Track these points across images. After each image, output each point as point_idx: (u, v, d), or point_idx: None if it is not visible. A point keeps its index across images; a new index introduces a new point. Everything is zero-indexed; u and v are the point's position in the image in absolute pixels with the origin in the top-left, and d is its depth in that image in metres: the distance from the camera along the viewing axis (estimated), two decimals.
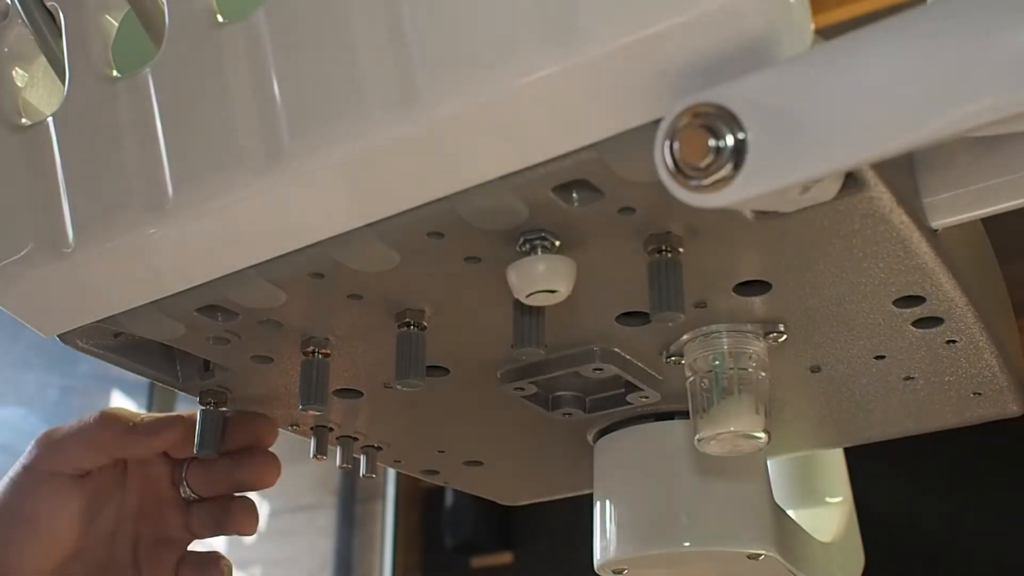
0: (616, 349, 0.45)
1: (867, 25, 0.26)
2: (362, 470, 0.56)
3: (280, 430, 0.54)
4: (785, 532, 0.51)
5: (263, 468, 0.50)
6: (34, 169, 0.40)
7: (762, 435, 0.43)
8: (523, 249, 0.36)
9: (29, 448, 0.48)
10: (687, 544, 0.49)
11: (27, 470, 0.48)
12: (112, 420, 0.48)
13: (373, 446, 0.56)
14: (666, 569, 0.52)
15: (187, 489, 0.51)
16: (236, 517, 0.50)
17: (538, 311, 0.39)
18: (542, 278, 0.35)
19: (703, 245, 0.37)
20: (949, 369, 0.46)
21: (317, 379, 0.44)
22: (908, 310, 0.41)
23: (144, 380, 0.51)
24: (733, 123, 0.27)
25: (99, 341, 0.45)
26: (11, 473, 0.48)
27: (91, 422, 0.48)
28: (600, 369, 0.45)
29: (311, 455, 0.54)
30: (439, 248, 0.37)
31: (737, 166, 0.27)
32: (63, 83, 0.39)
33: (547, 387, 0.49)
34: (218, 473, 0.51)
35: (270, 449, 0.52)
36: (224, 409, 0.49)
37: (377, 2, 0.32)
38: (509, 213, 0.35)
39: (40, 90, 0.44)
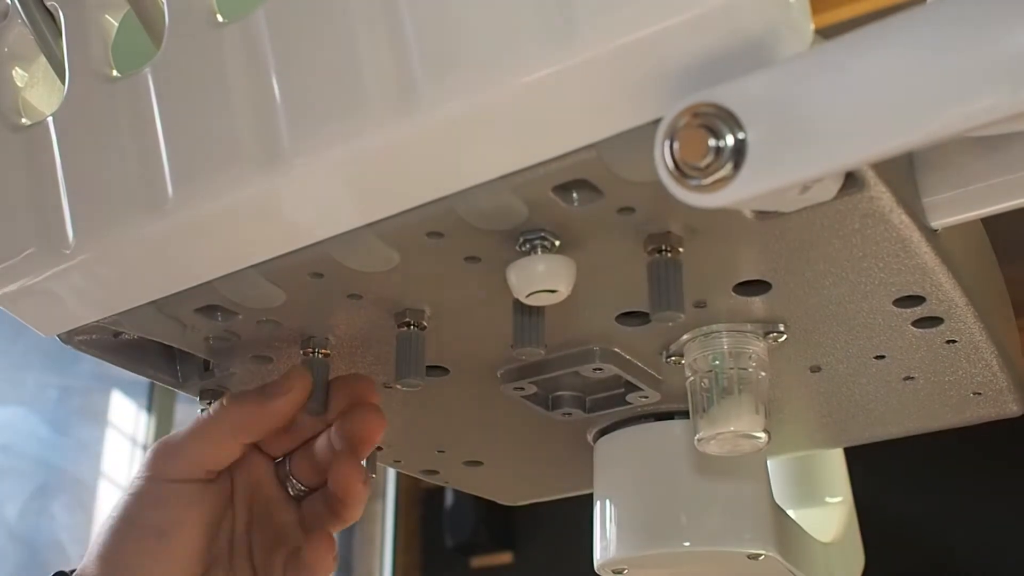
0: (616, 349, 0.45)
1: (867, 25, 0.26)
2: None
3: None
4: (785, 532, 0.51)
5: (368, 419, 0.46)
6: (34, 169, 0.40)
7: (762, 435, 0.43)
8: (523, 249, 0.36)
9: (146, 458, 0.45)
10: (687, 544, 0.49)
11: (150, 480, 0.44)
12: (234, 400, 0.45)
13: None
14: (666, 569, 0.52)
15: (295, 484, 0.48)
16: (349, 500, 0.46)
17: (538, 311, 0.39)
18: (542, 278, 0.35)
19: (703, 245, 0.37)
20: (949, 369, 0.46)
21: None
22: (908, 310, 0.41)
23: (144, 380, 0.50)
24: (733, 123, 0.27)
25: (99, 341, 0.45)
26: (131, 487, 0.45)
27: (209, 414, 0.45)
28: (600, 369, 0.45)
29: None
30: (439, 248, 0.37)
31: (737, 166, 0.27)
32: (63, 83, 0.39)
33: (547, 387, 0.49)
34: (323, 448, 0.47)
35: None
36: (327, 353, 0.46)
37: (376, 2, 0.32)
38: (509, 213, 0.34)
39: (40, 90, 0.44)
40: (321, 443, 0.47)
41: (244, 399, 0.45)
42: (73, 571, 0.44)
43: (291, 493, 0.48)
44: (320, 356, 0.44)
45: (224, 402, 0.45)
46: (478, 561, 2.16)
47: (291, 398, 0.44)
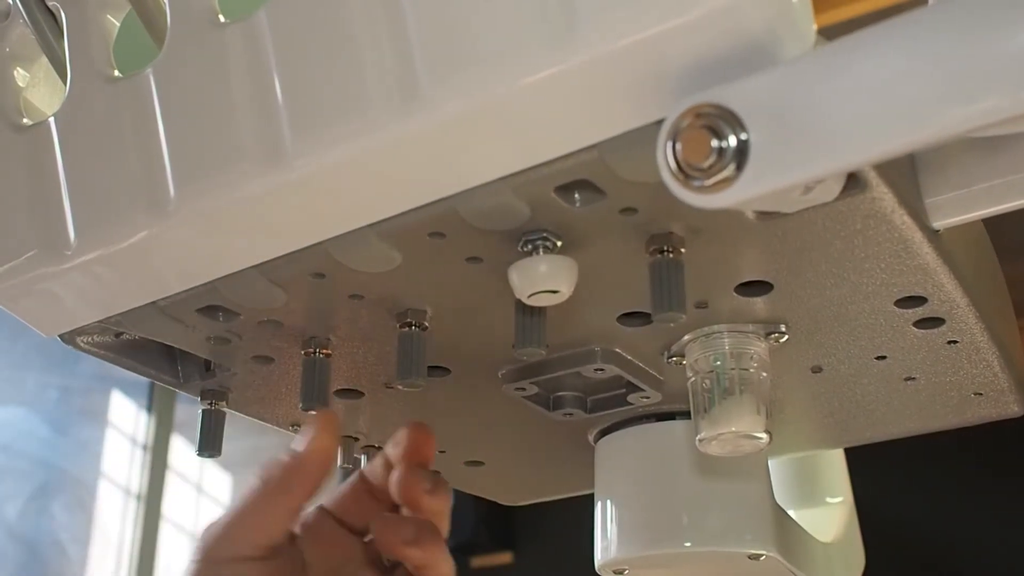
0: (617, 349, 0.45)
1: (869, 26, 0.26)
2: None
3: (281, 430, 0.54)
4: (786, 532, 0.51)
5: (414, 428, 0.44)
6: (35, 169, 0.40)
7: (763, 435, 0.43)
8: (525, 249, 0.36)
9: (196, 542, 0.42)
10: (688, 544, 0.49)
11: (201, 564, 0.42)
12: (267, 465, 0.43)
13: (374, 446, 0.56)
14: (667, 569, 0.52)
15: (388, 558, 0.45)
16: (416, 508, 0.44)
17: (539, 311, 0.39)
18: (544, 278, 0.35)
19: (705, 245, 0.37)
20: (950, 369, 0.46)
21: (318, 379, 0.44)
22: (909, 310, 0.41)
23: (145, 380, 0.50)
24: (735, 124, 0.27)
25: (100, 341, 0.45)
26: (188, 568, 0.42)
27: (249, 491, 0.43)
28: (601, 369, 0.45)
29: None
30: (441, 248, 0.37)
31: (739, 167, 0.27)
32: (65, 83, 0.39)
33: (548, 387, 0.49)
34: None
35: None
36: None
37: (378, 2, 0.32)
38: (511, 213, 0.34)
39: (42, 90, 0.44)
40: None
41: (276, 461, 0.43)
42: None
43: (387, 564, 0.45)
44: (321, 356, 0.44)
45: (259, 472, 0.43)
46: (478, 561, 2.17)
47: (319, 442, 0.43)
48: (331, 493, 0.47)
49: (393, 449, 0.45)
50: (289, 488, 0.43)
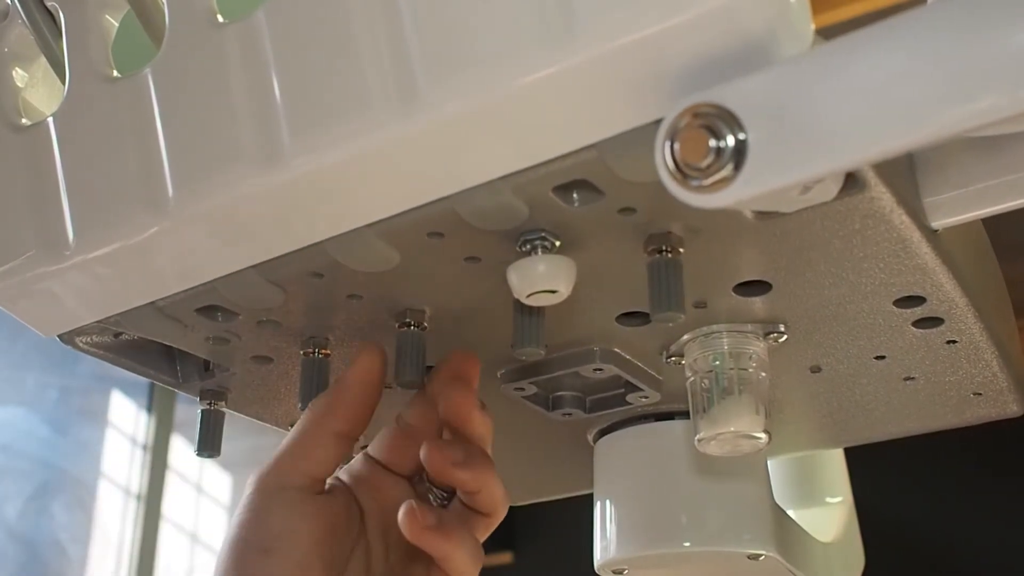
0: (616, 349, 0.45)
1: (867, 25, 0.26)
2: None
3: (280, 430, 0.54)
4: (785, 532, 0.51)
5: (461, 353, 0.43)
6: (34, 169, 0.40)
7: (762, 435, 0.43)
8: (523, 249, 0.36)
9: (251, 478, 0.43)
10: (687, 544, 0.49)
11: (254, 494, 0.42)
12: (316, 397, 0.43)
13: None
14: (666, 569, 0.52)
15: (438, 493, 0.44)
16: (464, 426, 0.42)
17: (538, 311, 0.39)
18: (542, 278, 0.35)
19: (703, 245, 0.37)
20: (949, 369, 0.46)
21: (317, 379, 0.44)
22: (908, 310, 0.41)
23: (144, 380, 0.50)
24: (733, 123, 0.27)
25: (99, 341, 0.45)
26: (242, 500, 0.42)
27: (298, 422, 0.43)
28: (600, 369, 0.45)
29: None
30: (439, 248, 0.37)
31: (737, 166, 0.27)
32: (63, 83, 0.39)
33: (547, 387, 0.49)
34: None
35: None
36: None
37: (377, 2, 0.32)
38: (509, 213, 0.34)
39: (40, 90, 0.44)
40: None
41: (324, 392, 0.43)
42: None
43: (435, 503, 0.45)
44: (320, 356, 0.44)
45: (309, 404, 0.43)
46: None
47: (362, 366, 0.42)
48: (375, 441, 0.46)
49: (434, 382, 0.44)
50: (335, 412, 0.42)
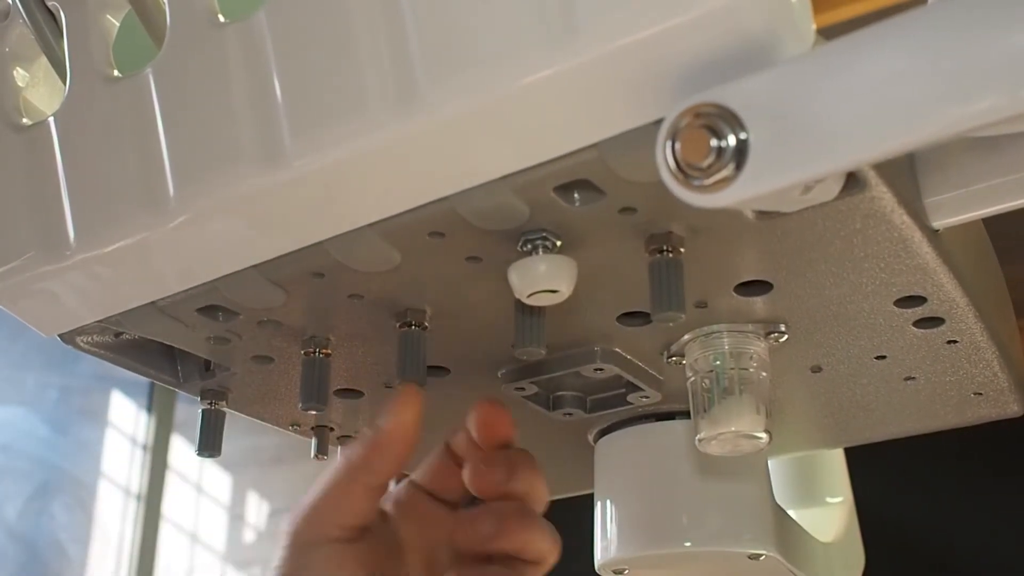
0: (617, 349, 0.45)
1: (868, 25, 0.26)
2: None
3: (280, 430, 0.54)
4: (786, 532, 0.51)
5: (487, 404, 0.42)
6: (35, 169, 0.40)
7: (763, 435, 0.43)
8: (524, 249, 0.36)
9: (285, 530, 0.42)
10: (688, 544, 0.49)
11: (289, 548, 0.42)
12: (349, 445, 0.42)
13: None
14: (667, 569, 0.52)
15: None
16: (490, 435, 0.42)
17: (539, 311, 0.39)
18: (543, 278, 0.35)
19: (704, 245, 0.37)
20: (950, 369, 0.46)
21: (318, 378, 0.44)
22: (909, 310, 0.41)
23: (145, 380, 0.50)
24: (735, 123, 0.27)
25: (100, 340, 0.45)
26: (276, 559, 0.42)
27: (332, 471, 0.42)
28: (601, 369, 0.45)
29: (312, 455, 0.54)
30: (440, 248, 0.37)
31: (739, 166, 0.27)
32: (64, 83, 0.39)
33: (548, 387, 0.49)
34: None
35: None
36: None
37: (377, 2, 0.32)
38: (510, 213, 0.35)
39: (41, 90, 0.44)
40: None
41: (358, 439, 0.42)
42: None
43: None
44: (321, 356, 0.44)
45: (341, 451, 0.42)
46: None
47: (401, 418, 0.42)
48: (420, 468, 0.45)
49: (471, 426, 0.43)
50: (371, 466, 0.42)
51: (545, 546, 0.42)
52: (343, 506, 0.42)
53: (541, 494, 0.43)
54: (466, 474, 0.42)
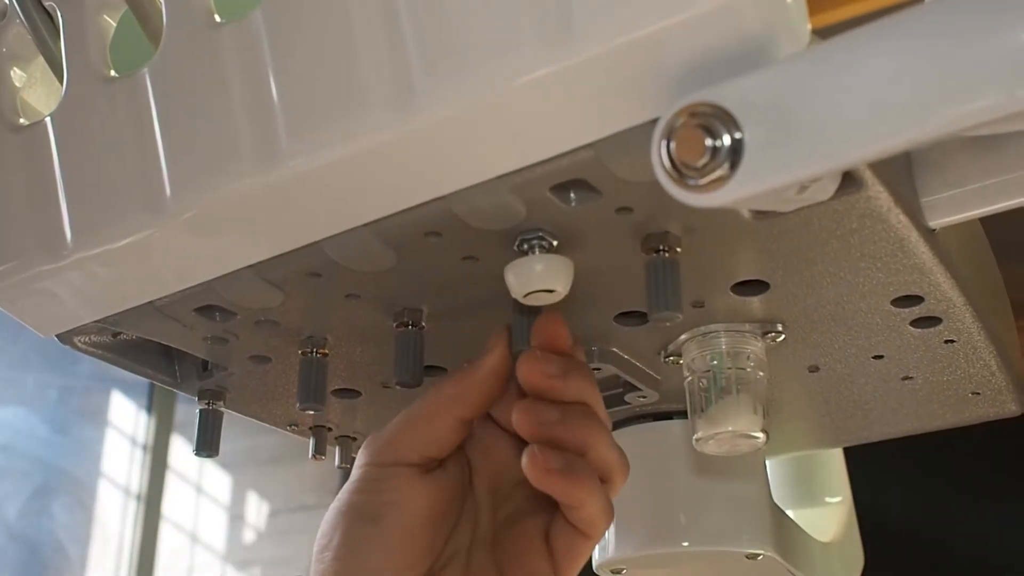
0: (614, 349, 0.45)
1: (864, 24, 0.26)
2: None
3: (278, 430, 0.54)
4: (784, 532, 0.51)
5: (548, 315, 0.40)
6: (32, 169, 0.40)
7: (760, 435, 0.43)
8: (521, 249, 0.36)
9: (361, 453, 0.43)
10: (686, 544, 0.49)
11: (365, 467, 0.42)
12: (442, 377, 0.42)
13: None
14: (665, 569, 0.52)
15: None
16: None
17: (536, 311, 0.39)
18: (540, 278, 0.35)
19: (701, 245, 0.37)
20: (947, 369, 0.46)
21: (315, 378, 0.44)
22: (906, 310, 0.41)
23: (144, 380, 0.50)
24: (730, 122, 0.27)
25: (98, 341, 0.45)
26: (351, 477, 0.42)
27: (423, 399, 0.42)
28: (598, 369, 0.45)
29: (310, 455, 0.54)
30: (437, 248, 0.37)
31: (734, 165, 0.27)
32: (61, 83, 0.39)
33: None
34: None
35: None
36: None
37: (374, 2, 0.32)
38: (507, 213, 0.34)
39: (38, 90, 0.44)
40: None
41: (452, 373, 0.42)
42: None
43: None
44: (318, 356, 0.44)
45: (434, 383, 0.42)
46: None
47: (497, 355, 0.41)
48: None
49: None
50: (464, 400, 0.41)
51: (612, 455, 0.41)
52: (429, 437, 0.42)
53: (600, 404, 0.42)
54: (515, 410, 0.41)
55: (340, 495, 0.42)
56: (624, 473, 0.41)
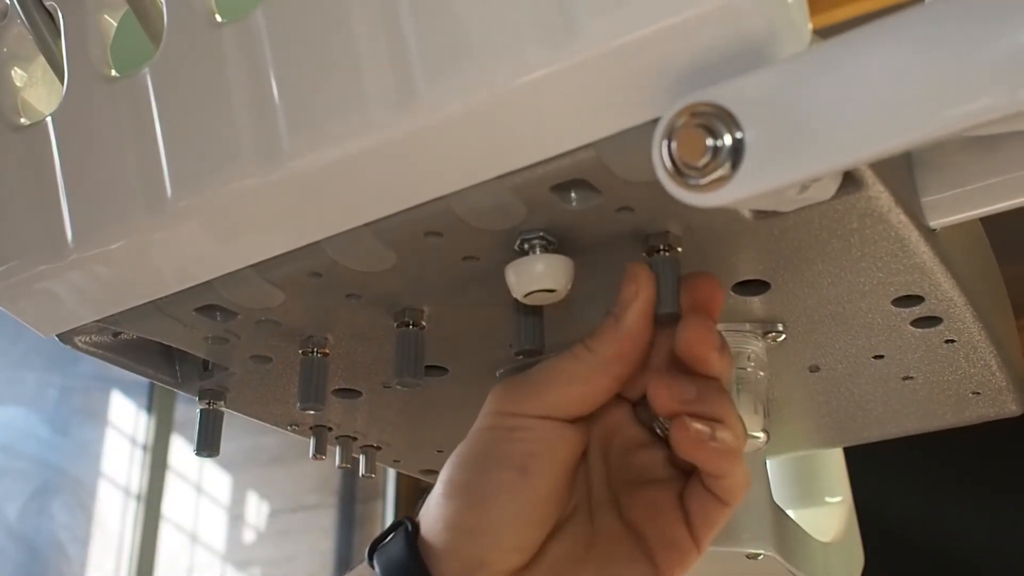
0: None
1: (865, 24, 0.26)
2: (361, 470, 0.56)
3: (279, 430, 0.54)
4: (784, 532, 0.51)
5: (704, 277, 0.38)
6: (33, 169, 0.40)
7: (761, 435, 0.43)
8: (521, 248, 0.36)
9: (496, 397, 0.41)
10: None
11: (506, 416, 0.40)
12: (590, 338, 0.39)
13: (372, 446, 0.56)
14: None
15: (662, 422, 0.40)
16: (701, 364, 0.38)
17: (537, 310, 0.39)
18: (540, 278, 0.35)
19: (701, 244, 0.37)
20: (948, 368, 0.46)
21: (316, 378, 0.44)
22: (907, 309, 0.41)
23: (145, 380, 0.50)
24: (731, 122, 0.27)
25: (98, 340, 0.45)
26: (481, 425, 0.40)
27: (575, 360, 0.39)
28: None
29: (310, 455, 0.54)
30: (437, 247, 0.37)
31: (735, 165, 0.27)
32: (62, 83, 0.39)
33: None
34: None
35: None
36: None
37: (375, 2, 0.32)
38: (507, 212, 0.35)
39: (39, 90, 0.44)
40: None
41: (601, 332, 0.39)
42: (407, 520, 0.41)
43: (660, 433, 0.41)
44: (319, 356, 0.44)
45: (585, 344, 0.39)
46: None
47: (642, 301, 0.38)
48: None
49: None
50: (625, 358, 0.39)
51: (740, 427, 0.39)
52: (584, 395, 0.40)
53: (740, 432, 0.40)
54: (650, 383, 0.39)
55: (476, 440, 0.40)
56: (744, 445, 0.40)
